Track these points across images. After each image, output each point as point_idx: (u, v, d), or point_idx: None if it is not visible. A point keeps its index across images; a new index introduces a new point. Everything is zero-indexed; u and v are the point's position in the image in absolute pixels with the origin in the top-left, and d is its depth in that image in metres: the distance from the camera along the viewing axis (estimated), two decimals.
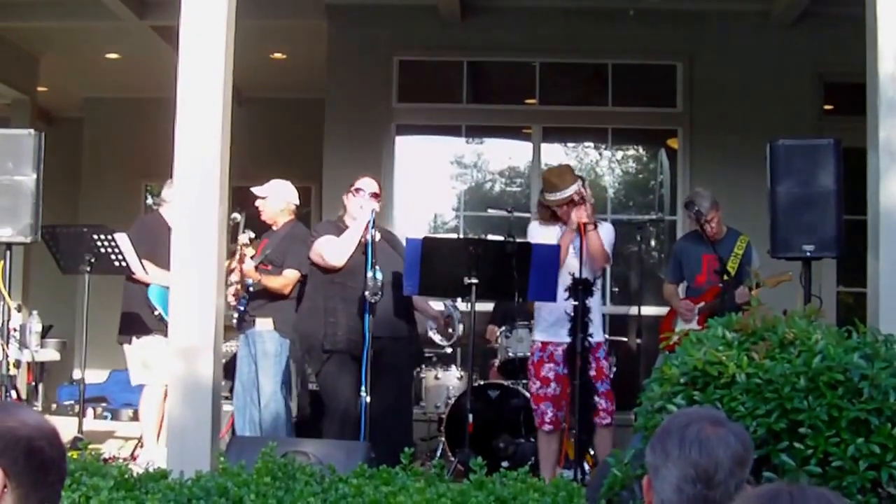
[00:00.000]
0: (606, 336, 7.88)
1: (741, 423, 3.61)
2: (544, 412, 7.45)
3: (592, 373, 7.37)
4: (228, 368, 8.42)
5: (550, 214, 7.62)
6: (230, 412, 8.57)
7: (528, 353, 8.56)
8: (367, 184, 7.46)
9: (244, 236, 7.78)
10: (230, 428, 8.41)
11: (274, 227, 8.24)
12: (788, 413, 3.90)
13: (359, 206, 7.32)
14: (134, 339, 8.17)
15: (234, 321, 7.97)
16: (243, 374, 8.05)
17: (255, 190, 8.27)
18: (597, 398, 7.38)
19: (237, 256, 7.74)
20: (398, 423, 7.34)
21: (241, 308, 7.95)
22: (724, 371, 4.05)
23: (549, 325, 7.49)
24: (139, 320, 8.13)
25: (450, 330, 8.23)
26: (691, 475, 2.53)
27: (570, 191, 7.47)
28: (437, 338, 8.42)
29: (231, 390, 8.34)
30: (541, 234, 7.58)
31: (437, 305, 8.19)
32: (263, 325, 7.94)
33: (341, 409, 7.07)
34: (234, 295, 7.94)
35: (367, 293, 6.91)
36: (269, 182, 8.32)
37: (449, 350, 9.25)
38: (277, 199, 8.25)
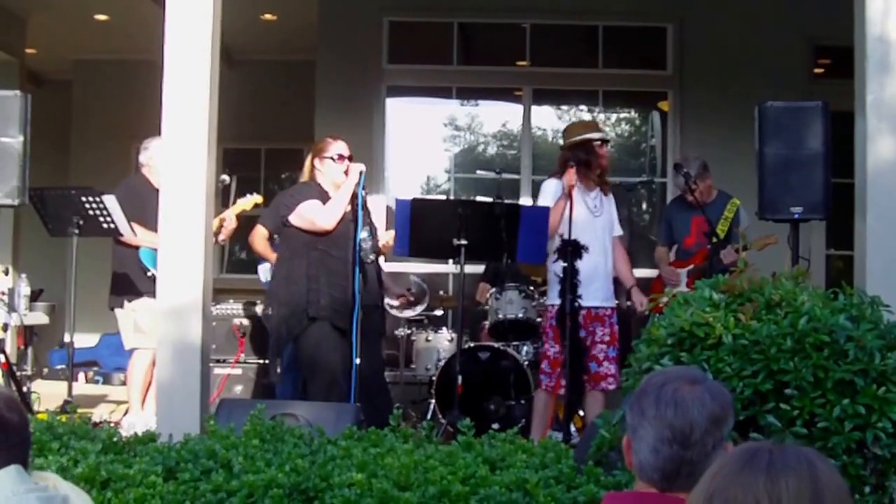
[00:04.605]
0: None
1: (725, 384, 3.64)
2: (561, 375, 7.43)
3: (607, 338, 7.50)
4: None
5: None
6: (221, 375, 8.60)
7: (519, 315, 8.61)
8: (344, 148, 7.43)
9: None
10: (221, 391, 8.43)
11: None
12: (775, 374, 3.91)
13: (341, 172, 7.30)
14: (125, 302, 8.15)
15: None
16: None
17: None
18: (607, 364, 7.48)
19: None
20: (381, 388, 7.40)
21: None
22: (711, 332, 4.06)
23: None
24: (130, 283, 8.10)
25: (412, 304, 8.26)
26: (667, 436, 2.53)
27: (582, 136, 7.63)
28: (395, 312, 8.47)
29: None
30: (552, 187, 7.61)
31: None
32: None
33: (325, 375, 7.07)
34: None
35: (361, 254, 6.94)
36: None
37: (440, 312, 9.25)
38: None
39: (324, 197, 7.23)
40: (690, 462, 2.52)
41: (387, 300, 8.23)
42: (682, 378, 2.62)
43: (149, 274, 7.92)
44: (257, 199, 8.43)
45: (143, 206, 7.79)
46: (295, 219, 7.24)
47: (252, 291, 9.87)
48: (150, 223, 7.58)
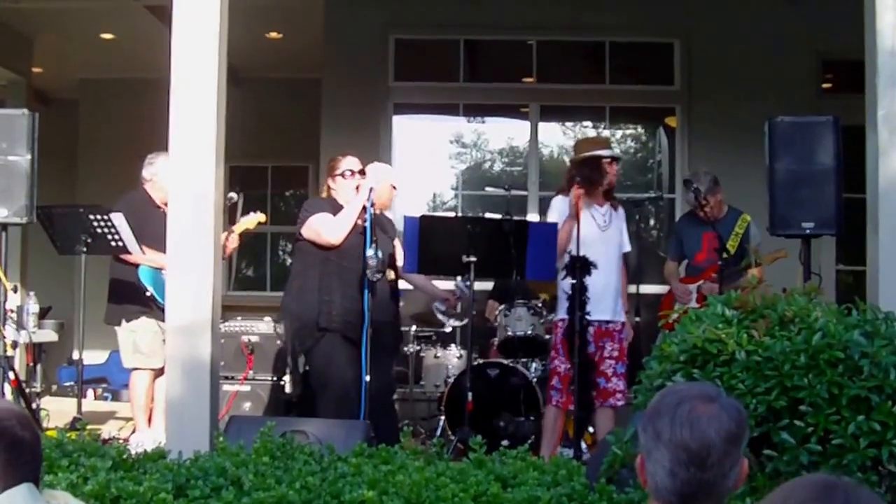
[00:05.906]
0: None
1: (738, 401, 3.60)
2: (573, 392, 7.36)
3: (615, 353, 7.47)
4: None
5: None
6: (229, 392, 8.57)
7: (528, 332, 8.59)
8: (354, 163, 7.43)
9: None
10: (230, 408, 8.41)
11: None
12: (789, 391, 3.89)
13: (353, 188, 7.29)
14: (124, 321, 8.09)
15: None
16: None
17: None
18: (616, 380, 7.44)
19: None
20: (386, 407, 7.37)
21: None
22: (724, 349, 4.04)
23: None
24: (127, 299, 8.04)
25: (457, 309, 8.26)
26: (683, 458, 2.46)
27: (591, 153, 7.62)
28: (443, 318, 8.45)
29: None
30: (560, 204, 7.59)
31: (446, 284, 8.29)
32: None
33: (336, 389, 7.05)
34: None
35: (367, 272, 6.91)
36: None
37: (449, 329, 9.24)
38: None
39: (337, 212, 7.25)
40: (709, 483, 2.44)
41: (435, 305, 8.23)
42: (697, 397, 2.54)
43: (147, 294, 7.88)
44: (260, 217, 8.41)
45: (143, 222, 7.76)
46: (306, 231, 7.26)
47: (260, 308, 9.86)
48: (150, 239, 7.58)
